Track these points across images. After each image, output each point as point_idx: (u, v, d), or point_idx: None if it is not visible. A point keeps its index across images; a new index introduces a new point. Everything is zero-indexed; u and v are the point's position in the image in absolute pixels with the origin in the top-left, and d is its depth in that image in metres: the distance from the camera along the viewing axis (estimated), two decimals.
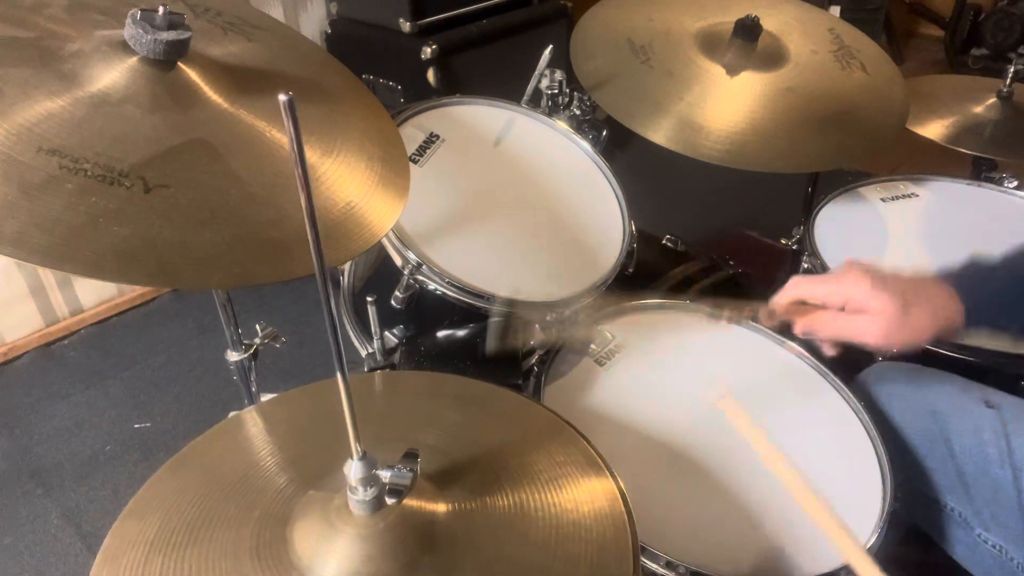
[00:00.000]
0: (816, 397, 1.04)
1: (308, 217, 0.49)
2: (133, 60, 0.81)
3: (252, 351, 1.10)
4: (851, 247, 1.28)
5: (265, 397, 1.02)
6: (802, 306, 0.90)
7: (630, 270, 1.20)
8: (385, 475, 0.61)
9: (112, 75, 0.80)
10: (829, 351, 0.92)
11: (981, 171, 1.52)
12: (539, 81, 1.30)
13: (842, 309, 0.86)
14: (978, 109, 1.58)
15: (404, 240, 1.04)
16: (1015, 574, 0.92)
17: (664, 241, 1.59)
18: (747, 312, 0.93)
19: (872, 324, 0.83)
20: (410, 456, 0.64)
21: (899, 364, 1.09)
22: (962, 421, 0.95)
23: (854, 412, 1.01)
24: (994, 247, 1.29)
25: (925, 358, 1.10)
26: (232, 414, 0.83)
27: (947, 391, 1.00)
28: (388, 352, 1.16)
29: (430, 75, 2.29)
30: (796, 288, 0.90)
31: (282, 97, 0.44)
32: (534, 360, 1.18)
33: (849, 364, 1.05)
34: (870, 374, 1.07)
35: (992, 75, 1.66)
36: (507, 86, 1.35)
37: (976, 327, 0.85)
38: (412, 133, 1.18)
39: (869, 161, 1.32)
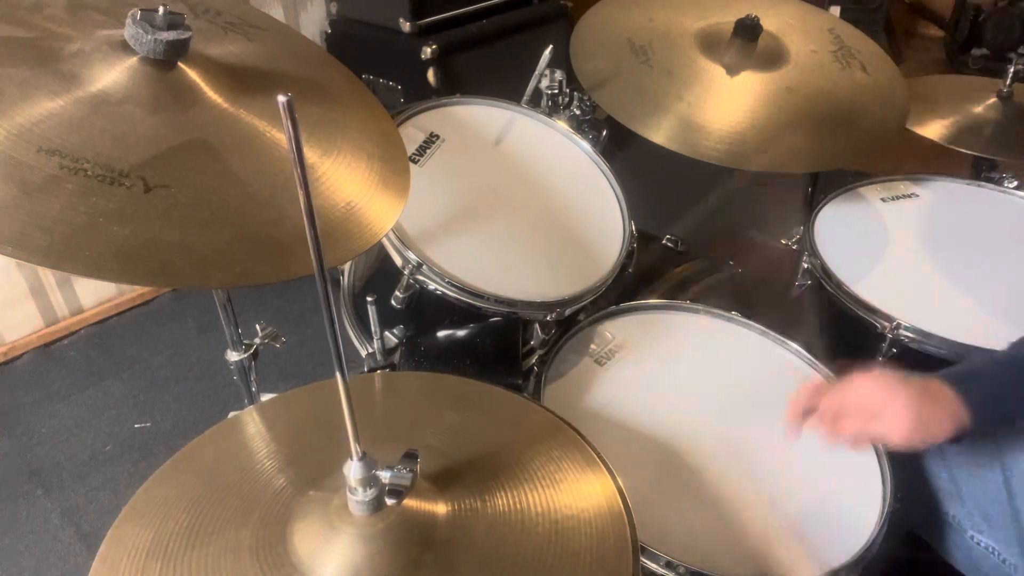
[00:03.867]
0: None
1: (307, 217, 0.49)
2: (133, 60, 0.81)
3: (252, 351, 1.10)
4: (851, 247, 1.28)
5: (265, 397, 1.02)
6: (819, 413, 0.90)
7: (630, 270, 1.20)
8: (385, 476, 0.61)
9: (112, 75, 0.80)
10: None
11: (981, 171, 1.52)
12: (539, 81, 1.30)
13: None
14: (978, 109, 1.58)
15: (404, 240, 1.04)
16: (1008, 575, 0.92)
17: (664, 241, 1.59)
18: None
19: (890, 424, 0.84)
20: (410, 456, 0.64)
21: (893, 371, 1.09)
22: None
23: None
24: (994, 247, 1.30)
25: (927, 361, 1.10)
26: (232, 414, 0.83)
27: None
28: (388, 352, 1.16)
29: (430, 75, 2.29)
30: (810, 397, 0.91)
31: (281, 98, 0.44)
32: (534, 360, 1.18)
33: (843, 371, 1.05)
34: None
35: (992, 75, 1.66)
36: (507, 86, 1.35)
37: (985, 425, 0.85)
38: (412, 133, 1.18)
39: (869, 161, 1.32)
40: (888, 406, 0.85)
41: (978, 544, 0.94)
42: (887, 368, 0.89)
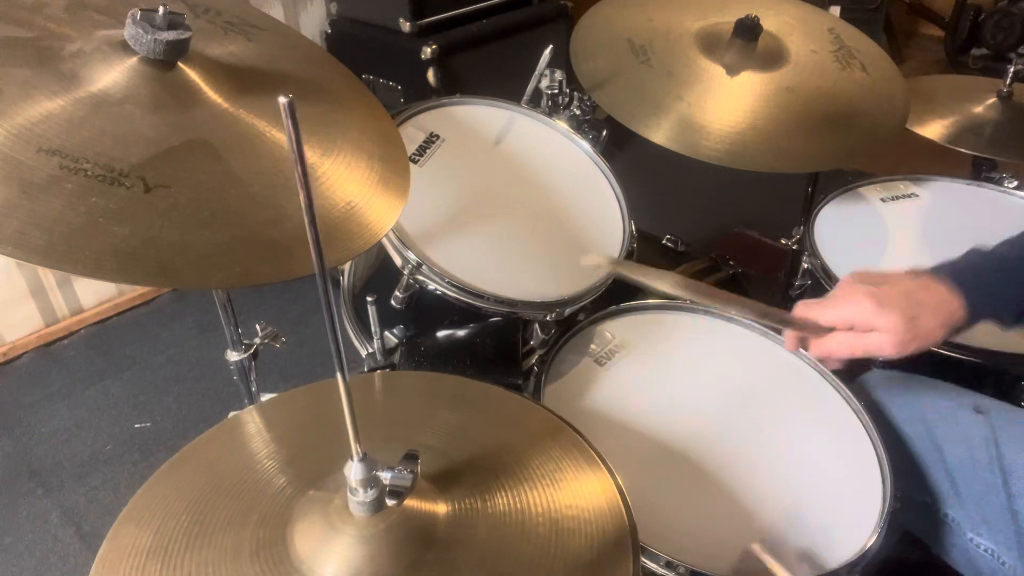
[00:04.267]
0: (816, 397, 1.04)
1: (308, 217, 0.49)
2: (133, 60, 0.81)
3: (252, 351, 1.10)
4: (851, 247, 1.28)
5: (265, 397, 1.02)
6: (812, 327, 0.91)
7: None
8: (385, 476, 0.61)
9: (112, 75, 0.80)
10: (834, 366, 0.95)
11: (981, 171, 1.52)
12: (539, 81, 1.30)
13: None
14: (978, 109, 1.58)
15: (404, 240, 1.04)
16: None
17: (664, 241, 1.59)
18: (768, 319, 0.94)
19: (883, 339, 0.85)
20: (410, 457, 0.64)
21: (891, 372, 1.09)
22: (952, 427, 0.96)
23: (854, 412, 1.01)
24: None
25: (926, 361, 1.10)
26: (232, 414, 0.83)
27: (937, 398, 1.01)
28: (388, 352, 1.16)
29: (430, 75, 2.29)
30: (803, 315, 0.91)
31: (282, 99, 0.44)
32: (534, 360, 1.18)
33: (843, 371, 1.05)
34: (862, 383, 1.07)
35: (992, 75, 1.66)
36: (507, 86, 1.35)
37: (980, 319, 0.86)
38: (412, 133, 1.18)
39: (869, 161, 1.32)
40: (879, 319, 0.85)
41: (976, 546, 0.94)
42: (871, 276, 0.90)
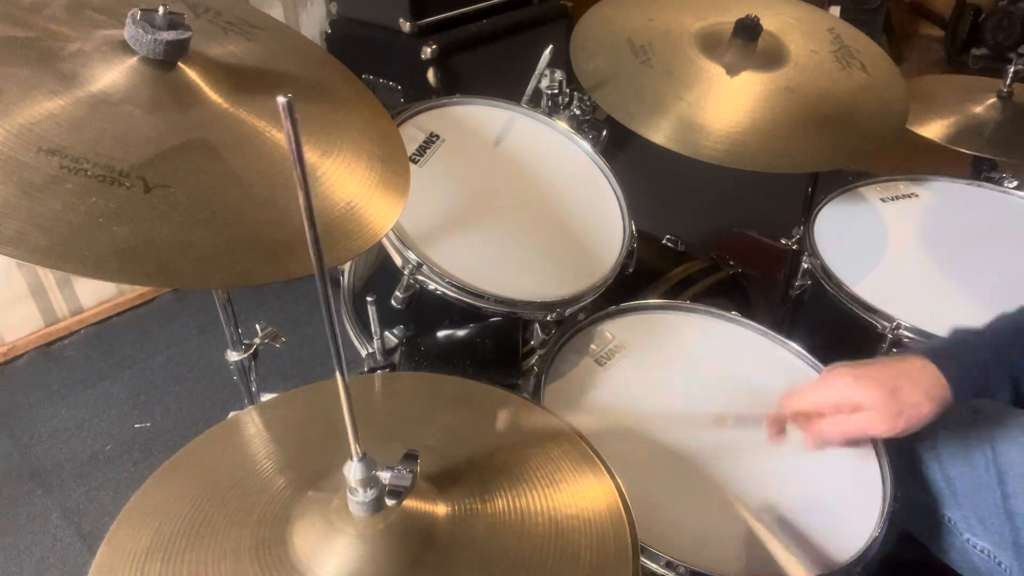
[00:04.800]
0: None
1: (307, 217, 0.49)
2: (133, 60, 0.81)
3: (252, 351, 1.10)
4: (851, 247, 1.28)
5: (265, 397, 1.02)
6: (803, 417, 0.93)
7: (630, 270, 1.20)
8: (385, 476, 0.61)
9: (112, 75, 0.80)
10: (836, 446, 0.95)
11: (981, 171, 1.52)
12: (539, 81, 1.30)
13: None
14: (978, 109, 1.58)
15: (404, 240, 1.04)
16: None
17: (664, 241, 1.59)
18: (752, 422, 0.95)
19: (871, 416, 0.86)
20: (410, 457, 0.64)
21: None
22: (948, 428, 0.96)
23: None
24: (994, 247, 1.30)
25: None
26: (232, 414, 0.83)
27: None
28: (388, 352, 1.16)
29: (430, 75, 2.29)
30: (789, 405, 0.93)
31: (281, 99, 0.44)
32: (534, 360, 1.18)
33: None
34: None
35: (992, 75, 1.66)
36: (507, 86, 1.35)
37: (968, 394, 0.87)
38: (412, 133, 1.18)
39: (869, 161, 1.32)
40: (866, 399, 0.86)
41: (973, 547, 0.94)
42: (858, 360, 0.91)
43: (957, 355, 0.88)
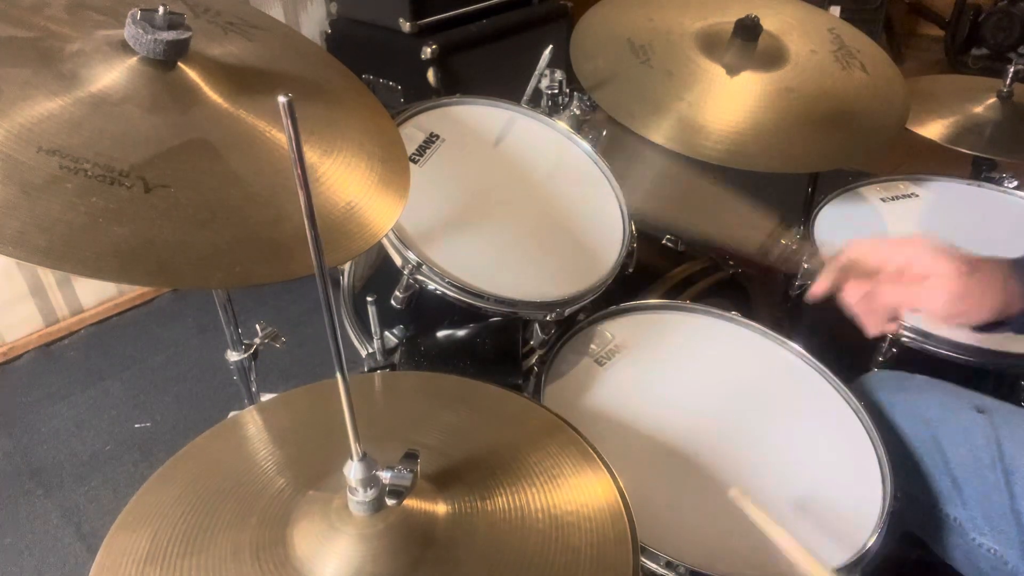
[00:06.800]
0: (816, 397, 1.04)
1: (308, 217, 0.49)
2: (133, 60, 0.81)
3: (252, 351, 1.10)
4: None
5: (265, 397, 1.02)
6: (858, 271, 0.85)
7: (630, 270, 1.20)
8: (385, 476, 0.61)
9: (112, 75, 0.80)
10: (874, 330, 0.86)
11: (981, 171, 1.52)
12: (539, 81, 1.30)
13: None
14: (978, 109, 1.58)
15: (404, 240, 1.04)
16: None
17: (664, 241, 1.59)
18: (796, 252, 0.88)
19: (936, 290, 0.80)
20: (410, 457, 0.64)
21: (891, 372, 1.09)
22: (954, 427, 0.96)
23: (854, 412, 1.01)
24: (994, 247, 1.30)
25: (927, 360, 1.10)
26: (232, 414, 0.83)
27: (938, 398, 1.01)
28: (388, 352, 1.16)
29: (430, 75, 2.29)
30: (855, 248, 0.85)
31: (281, 99, 0.44)
32: (534, 360, 1.18)
33: (843, 371, 1.05)
34: (863, 383, 1.07)
35: (992, 75, 1.66)
36: (507, 86, 1.35)
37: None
38: (412, 133, 1.18)
39: (869, 161, 1.32)
40: (935, 271, 0.80)
41: (979, 546, 0.94)
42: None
43: None
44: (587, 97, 1.33)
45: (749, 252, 1.04)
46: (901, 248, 0.83)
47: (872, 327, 0.86)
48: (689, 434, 0.96)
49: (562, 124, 1.30)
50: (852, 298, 0.85)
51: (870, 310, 0.85)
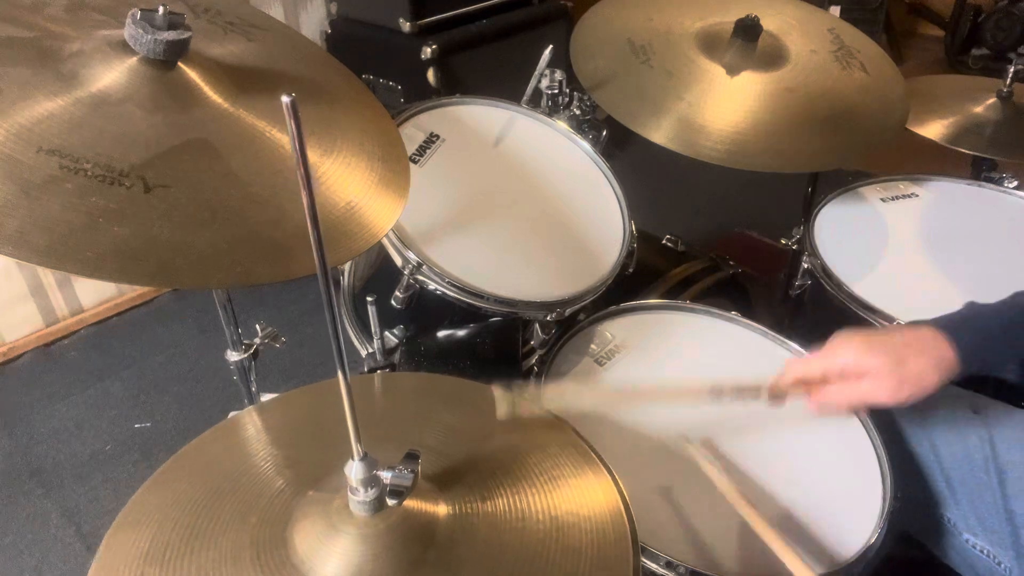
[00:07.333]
0: None
1: (310, 217, 0.49)
2: (133, 60, 0.81)
3: (252, 351, 1.11)
4: (851, 247, 1.28)
5: (265, 397, 1.02)
6: (806, 384, 0.92)
7: (630, 270, 1.20)
8: (386, 476, 0.61)
9: (112, 75, 0.80)
10: (851, 415, 0.97)
11: (981, 171, 1.52)
12: (539, 81, 1.30)
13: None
14: (978, 109, 1.58)
15: (404, 240, 1.04)
16: None
17: (664, 241, 1.59)
18: (750, 392, 0.94)
19: (875, 384, 0.86)
20: (411, 457, 0.64)
21: None
22: (949, 427, 0.96)
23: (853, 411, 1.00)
24: (994, 247, 1.30)
25: None
26: (232, 414, 0.83)
27: (933, 398, 1.01)
28: (388, 352, 1.16)
29: (430, 75, 2.29)
30: (793, 371, 0.93)
31: (285, 99, 0.44)
32: (534, 360, 1.18)
33: None
34: None
35: (992, 75, 1.66)
36: (507, 86, 1.35)
37: (975, 366, 0.86)
38: (412, 133, 1.18)
39: (869, 161, 1.32)
40: (872, 366, 0.85)
41: (973, 547, 0.94)
42: (864, 329, 0.90)
43: (967, 326, 0.87)
44: (587, 97, 1.33)
45: None
46: (831, 357, 0.90)
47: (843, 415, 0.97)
48: (689, 434, 0.96)
49: (562, 124, 1.30)
50: (813, 407, 0.92)
51: (832, 412, 0.94)
